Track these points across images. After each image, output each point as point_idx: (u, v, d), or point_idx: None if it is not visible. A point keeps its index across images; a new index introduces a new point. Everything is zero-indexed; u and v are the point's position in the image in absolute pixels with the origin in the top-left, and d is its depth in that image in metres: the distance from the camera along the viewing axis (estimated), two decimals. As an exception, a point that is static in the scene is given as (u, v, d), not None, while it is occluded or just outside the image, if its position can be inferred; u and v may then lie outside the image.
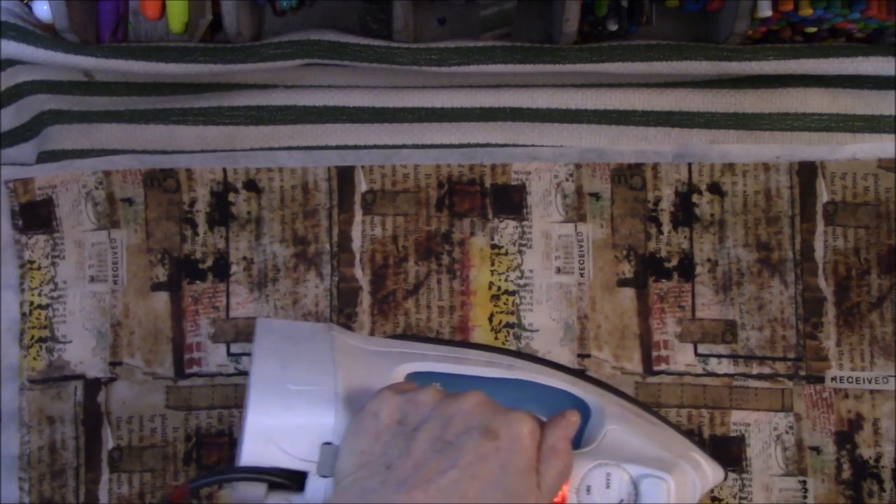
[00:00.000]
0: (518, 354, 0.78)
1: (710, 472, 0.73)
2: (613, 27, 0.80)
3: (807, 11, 0.77)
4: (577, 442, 0.69)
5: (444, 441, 0.58)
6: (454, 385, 0.69)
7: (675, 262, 0.82)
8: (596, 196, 0.82)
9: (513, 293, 0.82)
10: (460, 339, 0.82)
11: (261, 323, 0.71)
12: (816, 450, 0.80)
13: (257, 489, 0.63)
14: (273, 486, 0.63)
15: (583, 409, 0.71)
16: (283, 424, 0.63)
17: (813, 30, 0.82)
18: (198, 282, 0.82)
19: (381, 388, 0.63)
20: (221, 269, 0.82)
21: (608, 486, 0.65)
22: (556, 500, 0.63)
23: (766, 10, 0.77)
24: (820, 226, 0.82)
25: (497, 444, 0.57)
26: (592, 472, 0.65)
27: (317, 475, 0.63)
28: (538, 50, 0.82)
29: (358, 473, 0.58)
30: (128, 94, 0.87)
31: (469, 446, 0.57)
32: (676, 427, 0.76)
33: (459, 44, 0.82)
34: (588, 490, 0.65)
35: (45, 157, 0.85)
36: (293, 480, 0.63)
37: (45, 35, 0.81)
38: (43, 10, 0.82)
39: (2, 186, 0.83)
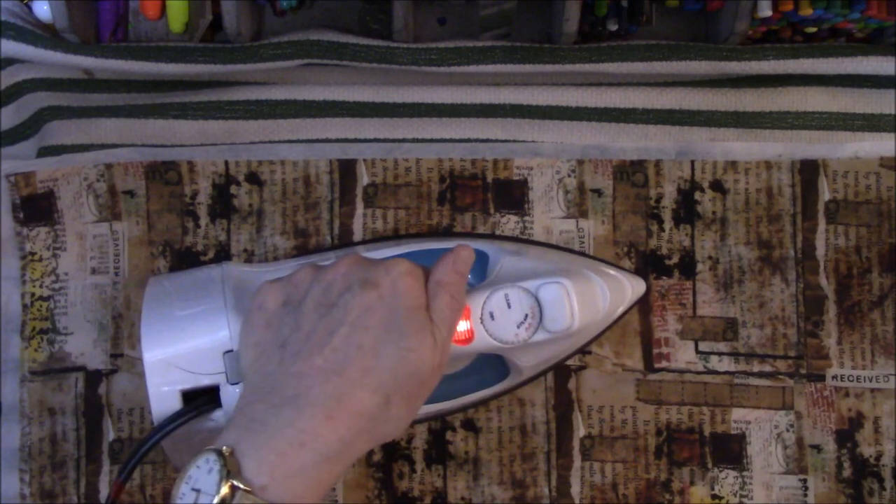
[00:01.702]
0: (405, 236, 0.84)
1: (627, 284, 0.80)
2: (613, 27, 0.83)
3: (807, 11, 0.79)
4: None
5: (328, 305, 0.62)
6: None
7: (676, 259, 0.84)
8: (598, 192, 0.85)
9: (514, 289, 0.85)
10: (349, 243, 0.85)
11: (153, 277, 0.77)
12: (817, 448, 0.83)
13: (173, 409, 0.68)
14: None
15: (481, 256, 0.77)
16: (180, 350, 0.68)
17: (813, 30, 0.84)
18: (199, 274, 0.85)
19: (262, 283, 0.67)
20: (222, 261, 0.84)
21: (509, 307, 0.70)
22: (463, 335, 0.69)
23: (766, 10, 0.79)
24: (821, 224, 0.84)
25: (379, 292, 0.62)
26: (491, 298, 0.71)
27: (228, 385, 0.67)
28: (538, 50, 0.84)
29: (257, 363, 0.62)
30: (127, 90, 0.90)
31: (353, 302, 0.61)
32: (587, 255, 0.83)
33: (459, 44, 0.84)
34: (491, 316, 0.70)
35: (45, 152, 0.87)
36: (209, 400, 0.68)
37: (45, 35, 0.84)
38: (43, 10, 0.84)
39: (2, 180, 0.85)
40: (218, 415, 0.68)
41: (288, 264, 0.78)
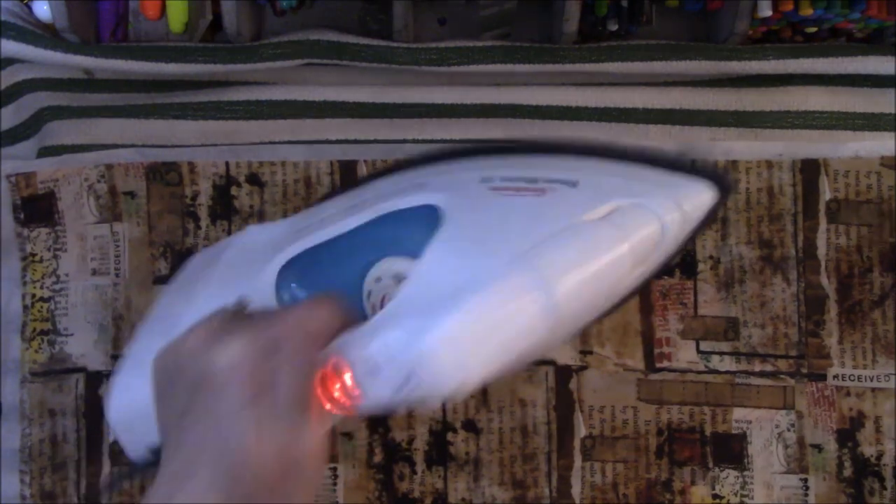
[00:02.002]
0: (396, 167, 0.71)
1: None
2: (613, 27, 0.83)
3: (807, 11, 0.80)
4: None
5: (179, 400, 0.55)
6: (321, 259, 0.65)
7: (677, 259, 0.85)
8: (599, 192, 0.85)
9: (515, 289, 0.85)
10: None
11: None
12: (818, 447, 0.83)
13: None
14: None
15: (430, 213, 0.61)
16: (137, 414, 0.62)
17: (813, 30, 0.84)
18: (201, 276, 0.85)
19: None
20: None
21: (389, 360, 0.51)
22: (344, 398, 0.54)
23: (766, 10, 0.80)
24: (822, 223, 0.84)
25: (211, 393, 0.53)
26: (369, 348, 0.53)
27: None
28: (538, 50, 0.84)
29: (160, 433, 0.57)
30: (127, 90, 0.90)
31: (194, 403, 0.53)
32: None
33: (459, 44, 0.85)
34: (375, 370, 0.53)
35: (45, 152, 0.88)
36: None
37: (45, 35, 0.84)
38: (43, 10, 0.85)
39: (2, 181, 0.86)
40: None
41: (292, 225, 0.70)
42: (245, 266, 0.68)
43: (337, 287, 0.59)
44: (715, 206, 0.63)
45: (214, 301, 0.59)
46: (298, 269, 0.63)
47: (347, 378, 0.53)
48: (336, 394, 0.54)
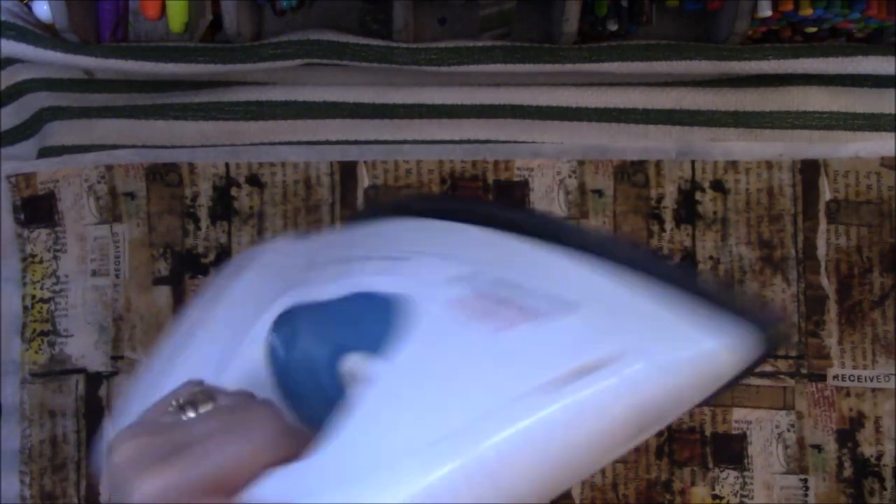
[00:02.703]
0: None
1: None
2: (613, 27, 0.84)
3: (807, 11, 0.80)
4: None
5: None
6: (312, 317, 0.55)
7: (677, 259, 0.85)
8: (598, 193, 0.86)
9: (515, 290, 0.85)
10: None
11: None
12: (818, 448, 0.84)
13: None
14: None
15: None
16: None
17: (813, 30, 0.85)
18: (200, 276, 0.86)
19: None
20: (223, 264, 0.86)
21: None
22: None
23: (766, 10, 0.81)
24: (822, 224, 0.85)
25: None
26: None
27: None
28: (538, 50, 0.85)
29: None
30: (127, 91, 0.91)
31: None
32: None
33: (459, 44, 0.85)
34: None
35: (46, 153, 0.89)
36: None
37: (45, 35, 0.85)
38: (43, 10, 0.85)
39: (2, 181, 0.87)
40: None
41: (313, 252, 0.65)
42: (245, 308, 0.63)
43: (311, 361, 0.51)
44: (755, 362, 0.47)
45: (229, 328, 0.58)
46: (289, 324, 0.54)
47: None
48: None
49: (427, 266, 0.56)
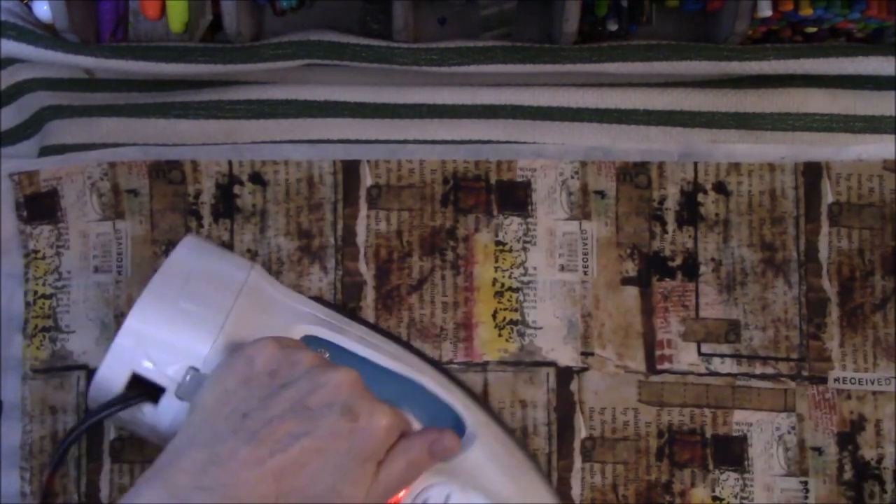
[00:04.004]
0: (427, 359, 0.83)
1: None
2: (613, 27, 0.85)
3: (807, 11, 0.81)
4: None
5: (305, 406, 0.63)
6: (342, 360, 0.74)
7: (679, 261, 0.87)
8: (601, 194, 0.87)
9: (516, 290, 0.87)
10: (375, 325, 0.86)
11: (189, 238, 0.77)
12: (818, 450, 0.85)
13: (115, 386, 0.69)
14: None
15: (459, 425, 0.76)
16: (159, 336, 0.69)
17: (813, 30, 0.86)
18: (202, 274, 0.87)
19: (265, 336, 0.68)
20: (224, 262, 0.87)
21: None
22: (391, 500, 0.67)
23: (766, 10, 0.81)
24: (824, 226, 0.86)
25: (353, 427, 0.62)
26: (436, 487, 0.70)
27: (174, 395, 0.68)
28: (538, 50, 0.86)
29: (214, 412, 0.63)
30: (128, 90, 0.93)
31: (326, 420, 0.62)
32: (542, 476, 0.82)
33: (459, 44, 0.86)
34: (425, 502, 0.70)
35: (47, 151, 0.90)
36: (149, 393, 0.69)
37: (45, 35, 0.86)
38: (43, 10, 0.86)
39: (3, 179, 0.88)
40: (148, 410, 0.69)
41: (306, 306, 0.79)
42: (266, 313, 0.75)
43: None
44: None
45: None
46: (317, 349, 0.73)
47: (402, 492, 0.69)
48: None
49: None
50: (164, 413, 0.69)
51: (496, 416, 0.83)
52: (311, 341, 0.75)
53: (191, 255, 0.76)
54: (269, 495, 0.60)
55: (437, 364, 0.83)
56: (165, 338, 0.70)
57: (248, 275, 0.75)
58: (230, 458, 0.60)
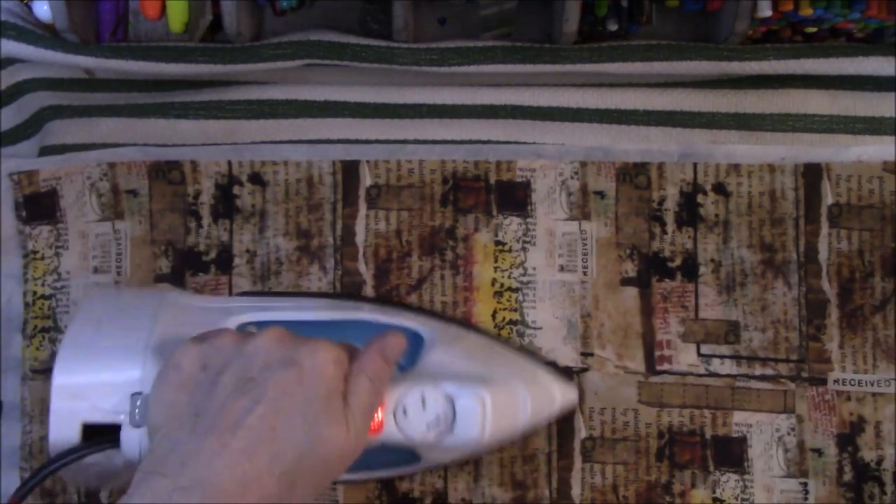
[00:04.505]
0: (360, 298, 0.86)
1: (557, 394, 0.81)
2: (613, 27, 0.85)
3: (807, 11, 0.82)
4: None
5: (247, 379, 0.63)
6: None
7: (678, 261, 0.87)
8: (600, 194, 0.87)
9: (516, 290, 0.87)
10: (304, 291, 0.88)
11: (93, 291, 0.80)
12: (818, 452, 0.85)
13: (72, 443, 0.70)
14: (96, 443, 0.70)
15: (418, 339, 0.79)
16: (90, 380, 0.70)
17: (813, 30, 0.86)
18: (201, 274, 0.88)
19: (182, 340, 0.68)
20: (224, 262, 0.88)
21: (424, 407, 0.72)
22: (373, 424, 0.69)
23: (766, 10, 0.82)
24: (824, 228, 0.87)
25: (299, 375, 0.63)
26: (408, 394, 0.72)
27: (130, 426, 0.69)
28: (538, 50, 0.86)
29: (168, 427, 0.63)
30: (128, 90, 0.93)
31: (272, 381, 0.63)
32: (526, 350, 0.86)
33: (459, 44, 0.87)
34: (404, 412, 0.72)
35: (47, 151, 0.91)
36: (107, 439, 0.69)
37: (45, 35, 0.86)
38: (43, 10, 0.87)
39: (3, 179, 0.89)
40: (114, 454, 0.70)
41: (231, 302, 0.81)
42: (192, 317, 0.78)
43: None
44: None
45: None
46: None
47: (379, 412, 0.71)
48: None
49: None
50: (128, 446, 0.69)
51: (464, 323, 0.87)
52: (247, 328, 0.78)
53: (97, 303, 0.77)
54: (250, 474, 0.60)
55: (385, 300, 0.87)
56: (95, 380, 0.71)
57: (160, 296, 0.78)
58: (198, 455, 0.60)
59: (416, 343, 0.79)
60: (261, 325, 0.77)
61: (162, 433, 0.64)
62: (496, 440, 0.78)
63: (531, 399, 0.78)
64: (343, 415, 0.64)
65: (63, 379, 0.70)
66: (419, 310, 0.85)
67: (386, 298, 0.86)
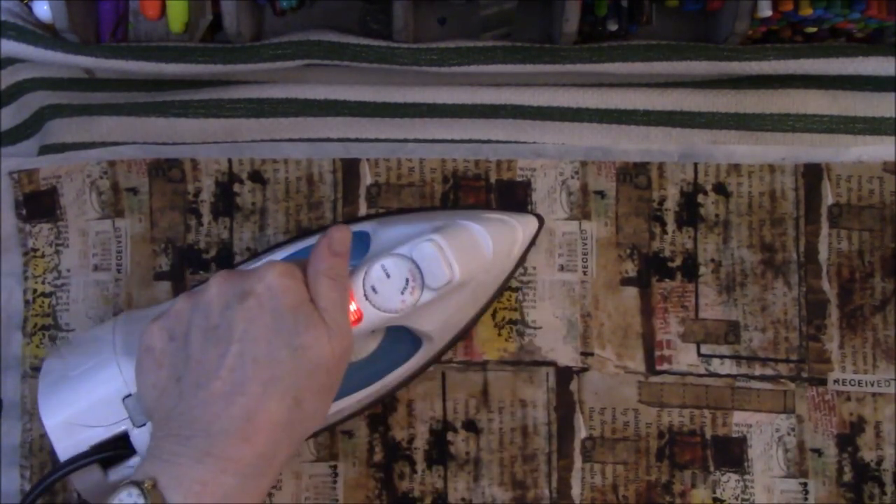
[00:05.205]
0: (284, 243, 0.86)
1: (515, 223, 0.83)
2: (613, 27, 0.86)
3: (807, 11, 0.82)
4: None
5: (212, 328, 0.65)
6: None
7: (678, 261, 0.87)
8: (601, 194, 0.88)
9: (516, 290, 0.88)
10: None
11: (52, 352, 0.79)
12: (818, 452, 0.86)
13: (94, 474, 0.71)
14: (108, 462, 0.71)
15: (363, 237, 0.81)
16: (79, 408, 0.71)
17: (813, 30, 0.87)
18: (201, 272, 0.88)
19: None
20: (225, 260, 0.88)
21: (388, 276, 0.73)
22: (352, 316, 0.72)
23: (766, 10, 0.82)
24: (824, 228, 0.87)
25: (257, 300, 0.65)
26: (369, 272, 0.74)
27: (135, 428, 0.70)
28: (538, 50, 0.87)
29: (159, 402, 0.65)
30: (128, 89, 0.93)
31: (234, 317, 0.64)
32: (465, 207, 0.87)
33: (459, 44, 0.87)
34: (374, 289, 0.73)
35: (47, 150, 0.91)
36: (121, 446, 0.71)
37: (46, 35, 0.87)
38: (43, 10, 0.87)
39: (3, 177, 0.89)
40: (135, 461, 0.71)
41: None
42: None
43: None
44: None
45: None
46: None
47: (353, 302, 0.72)
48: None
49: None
50: (141, 446, 0.71)
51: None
52: None
53: (57, 351, 0.78)
54: (251, 407, 0.62)
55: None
56: (84, 404, 0.71)
57: (113, 322, 0.78)
58: (192, 411, 0.62)
59: (364, 242, 0.80)
60: None
61: (156, 410, 0.66)
62: (470, 276, 0.78)
63: (489, 233, 0.80)
64: (317, 318, 0.65)
65: (53, 419, 0.71)
66: (358, 218, 0.88)
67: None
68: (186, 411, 0.62)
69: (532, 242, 0.86)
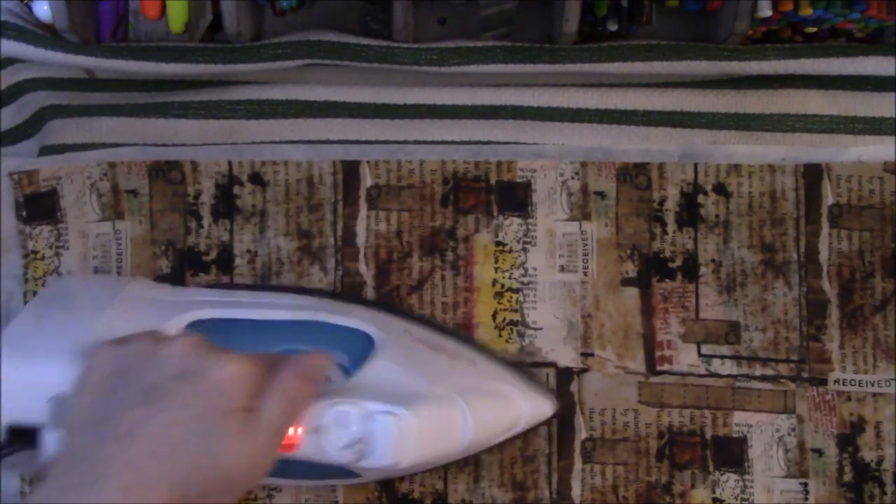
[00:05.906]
0: (323, 293, 0.86)
1: (522, 406, 0.80)
2: (613, 27, 0.86)
3: (807, 11, 0.82)
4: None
5: (154, 387, 0.62)
6: (233, 331, 0.77)
7: (679, 262, 0.87)
8: (601, 195, 0.88)
9: (516, 290, 0.88)
10: (271, 285, 0.88)
11: (51, 281, 0.80)
12: (818, 452, 0.86)
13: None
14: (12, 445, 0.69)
15: (366, 339, 0.78)
16: (18, 380, 0.69)
17: (813, 30, 0.87)
18: (201, 274, 0.88)
19: (100, 343, 0.68)
20: (225, 262, 0.88)
21: (343, 425, 0.69)
22: (289, 440, 0.67)
23: (766, 10, 0.82)
24: (825, 228, 0.87)
25: (201, 387, 0.62)
26: (329, 410, 0.69)
27: (51, 428, 0.68)
28: (538, 50, 0.87)
29: (79, 430, 0.63)
30: (128, 90, 0.94)
31: (178, 391, 0.62)
32: (504, 359, 0.86)
33: (459, 44, 0.87)
34: (321, 431, 0.69)
35: (47, 151, 0.91)
36: (28, 440, 0.69)
37: (46, 35, 0.87)
38: (43, 10, 0.87)
39: (3, 178, 0.89)
40: (35, 455, 0.70)
41: (193, 296, 0.82)
42: (142, 312, 0.77)
43: None
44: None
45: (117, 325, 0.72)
46: (206, 332, 0.70)
47: (299, 430, 0.68)
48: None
49: (381, 321, 0.84)
50: (48, 448, 0.69)
51: (423, 318, 0.87)
52: (198, 326, 0.77)
53: (48, 295, 0.78)
54: (135, 483, 0.59)
55: (338, 295, 0.87)
56: (22, 379, 0.70)
57: (120, 286, 0.78)
58: (95, 460, 0.60)
59: (366, 344, 0.78)
60: (215, 323, 0.77)
61: (71, 437, 0.64)
62: (425, 463, 0.77)
63: (475, 417, 0.75)
64: (245, 430, 0.62)
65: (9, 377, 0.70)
66: (389, 308, 0.86)
67: (352, 297, 0.87)
68: (90, 459, 0.60)
69: (531, 428, 0.84)
